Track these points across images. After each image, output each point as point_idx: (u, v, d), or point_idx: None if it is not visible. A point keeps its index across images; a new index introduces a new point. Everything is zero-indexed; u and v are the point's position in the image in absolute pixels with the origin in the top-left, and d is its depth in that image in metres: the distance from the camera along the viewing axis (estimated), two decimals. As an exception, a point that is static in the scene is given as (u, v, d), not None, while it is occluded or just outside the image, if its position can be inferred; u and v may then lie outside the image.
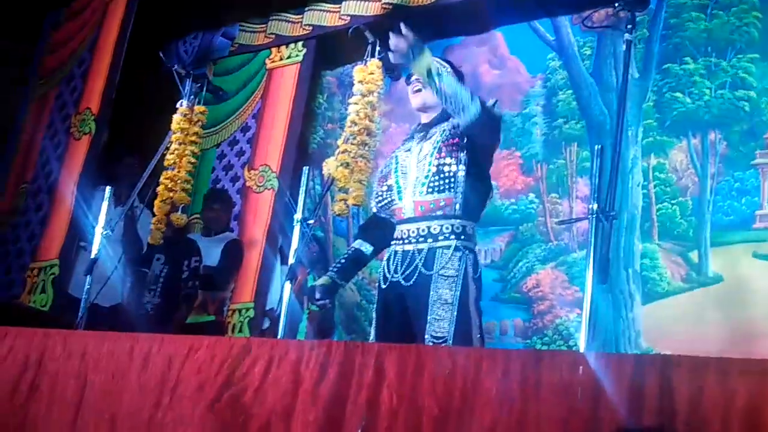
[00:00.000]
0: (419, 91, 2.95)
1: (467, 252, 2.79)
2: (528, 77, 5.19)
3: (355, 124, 3.14)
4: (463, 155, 2.81)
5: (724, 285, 4.09)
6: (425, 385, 1.81)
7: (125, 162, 5.16)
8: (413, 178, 2.87)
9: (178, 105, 3.93)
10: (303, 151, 5.87)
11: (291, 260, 3.14)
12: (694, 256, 4.22)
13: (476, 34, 5.45)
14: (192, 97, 3.96)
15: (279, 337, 3.10)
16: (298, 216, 3.09)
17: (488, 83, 5.36)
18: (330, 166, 3.13)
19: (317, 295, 2.95)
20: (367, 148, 3.13)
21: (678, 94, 4.46)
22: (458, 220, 2.80)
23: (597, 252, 2.23)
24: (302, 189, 3.12)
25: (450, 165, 2.81)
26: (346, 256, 3.07)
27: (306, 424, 1.98)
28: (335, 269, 3.00)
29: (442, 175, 2.80)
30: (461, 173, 2.80)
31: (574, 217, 4.68)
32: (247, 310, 5.23)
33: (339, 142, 3.21)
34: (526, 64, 5.22)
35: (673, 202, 4.35)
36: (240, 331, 5.17)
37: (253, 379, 2.16)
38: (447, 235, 2.80)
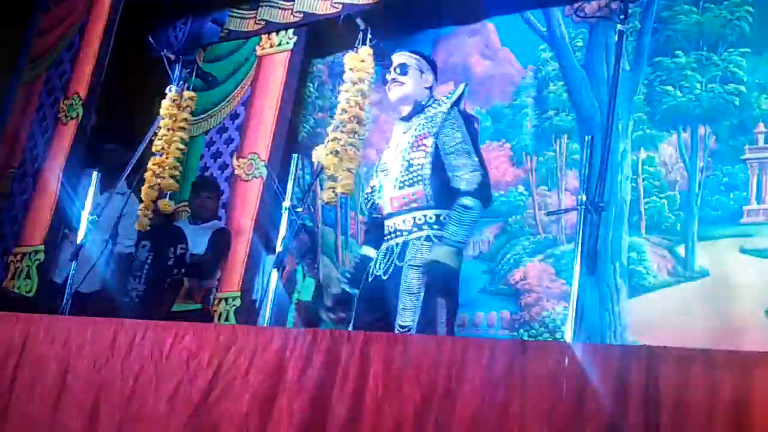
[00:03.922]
0: (398, 84, 3.01)
1: (438, 240, 2.80)
2: (519, 68, 5.17)
3: (345, 111, 3.11)
4: (431, 147, 2.87)
5: (710, 279, 4.10)
6: (411, 374, 1.80)
7: (107, 148, 5.14)
8: (392, 175, 2.94)
9: (167, 90, 3.89)
10: (292, 139, 5.84)
11: (279, 248, 3.11)
12: (681, 250, 4.23)
13: (468, 24, 5.43)
14: (181, 82, 3.93)
15: (265, 325, 3.08)
16: (286, 203, 3.06)
17: (479, 74, 5.34)
18: (319, 153, 3.11)
19: (329, 304, 3.06)
20: (357, 136, 3.11)
21: (669, 88, 4.46)
22: (431, 210, 2.85)
23: (585, 243, 2.22)
24: (291, 176, 3.10)
25: (418, 158, 2.89)
26: (354, 264, 3.17)
27: (291, 411, 1.97)
28: (345, 280, 3.06)
29: (411, 169, 2.89)
30: (428, 164, 2.87)
31: (562, 209, 4.69)
32: (234, 299, 5.21)
33: (329, 129, 3.19)
34: (518, 55, 5.20)
35: (661, 195, 4.35)
36: (226, 319, 5.15)
37: (239, 366, 2.15)
38: (420, 225, 2.86)
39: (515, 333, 4.63)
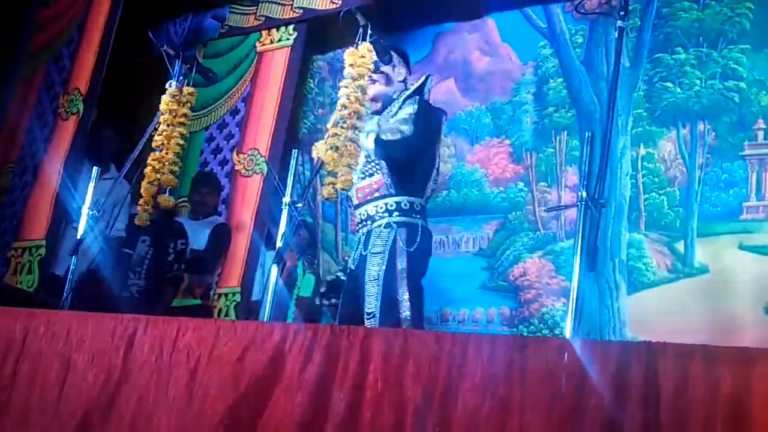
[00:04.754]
0: (371, 82, 3.05)
1: (398, 227, 2.85)
2: (519, 65, 5.18)
3: (345, 107, 3.10)
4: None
5: (709, 276, 4.12)
6: (411, 370, 1.81)
7: (104, 134, 5.15)
8: (359, 167, 2.99)
9: (167, 86, 3.88)
10: (292, 135, 5.84)
11: (279, 244, 3.12)
12: (680, 246, 4.23)
13: (468, 20, 5.43)
14: (181, 78, 3.91)
15: (264, 320, 3.09)
16: (286, 199, 3.06)
17: (479, 70, 5.34)
18: (319, 149, 3.11)
19: (322, 290, 3.12)
20: (356, 131, 3.10)
21: (668, 84, 4.46)
22: (392, 198, 2.90)
23: (585, 239, 2.22)
24: (291, 172, 3.10)
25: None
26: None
27: (291, 406, 1.97)
28: (341, 267, 3.11)
29: (369, 159, 2.95)
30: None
31: (562, 205, 4.70)
32: (234, 294, 5.21)
33: (329, 125, 3.19)
34: (518, 52, 5.20)
35: (660, 192, 4.36)
36: (226, 315, 5.15)
37: (240, 361, 2.15)
38: (381, 214, 2.93)
39: (515, 329, 4.63)
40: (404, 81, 3.17)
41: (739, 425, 1.42)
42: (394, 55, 3.17)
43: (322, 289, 3.15)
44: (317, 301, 3.19)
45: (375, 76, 3.08)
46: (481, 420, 1.68)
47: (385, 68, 3.10)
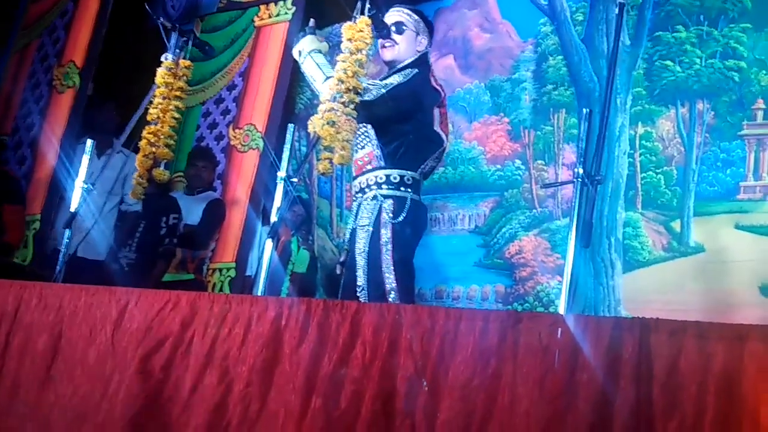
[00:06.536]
0: (392, 44, 2.98)
1: (384, 199, 2.84)
2: (519, 42, 5.14)
3: (342, 82, 3.07)
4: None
5: (705, 255, 4.11)
6: (402, 343, 1.80)
7: (105, 108, 5.12)
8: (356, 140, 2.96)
9: (162, 58, 3.84)
10: (289, 111, 5.81)
11: (273, 218, 3.10)
12: (676, 225, 4.23)
13: (468, -4, 5.39)
14: (178, 51, 3.87)
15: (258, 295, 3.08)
16: (281, 173, 3.05)
17: (479, 47, 5.30)
18: (315, 124, 3.08)
19: (342, 258, 3.05)
20: (353, 107, 3.08)
21: (668, 63, 4.43)
22: (383, 171, 2.89)
23: (580, 216, 2.21)
24: (286, 146, 3.08)
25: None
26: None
27: (288, 379, 1.97)
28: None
29: (358, 132, 2.90)
30: (370, 127, 2.91)
31: (558, 182, 4.68)
32: (229, 269, 5.21)
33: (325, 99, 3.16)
34: (518, 29, 5.17)
35: (658, 171, 4.35)
36: (221, 290, 5.15)
37: (234, 336, 2.14)
38: (371, 186, 2.90)
39: (509, 306, 4.64)
40: (422, 53, 3.10)
41: (730, 401, 1.41)
42: (420, 24, 3.09)
43: (342, 258, 3.10)
44: (337, 271, 3.15)
45: (396, 38, 3.01)
46: (473, 393, 1.67)
47: (408, 33, 3.02)
